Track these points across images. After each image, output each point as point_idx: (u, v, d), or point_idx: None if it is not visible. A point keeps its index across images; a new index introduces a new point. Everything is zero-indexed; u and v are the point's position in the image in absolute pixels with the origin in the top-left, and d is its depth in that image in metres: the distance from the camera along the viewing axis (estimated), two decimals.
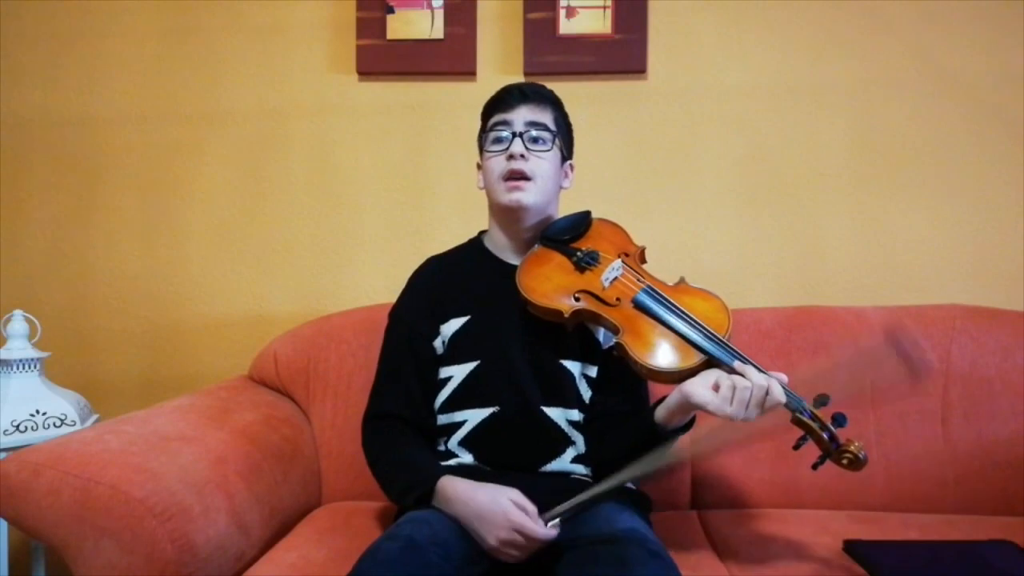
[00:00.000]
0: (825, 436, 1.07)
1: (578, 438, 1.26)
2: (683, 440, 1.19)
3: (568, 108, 1.37)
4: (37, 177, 2.01)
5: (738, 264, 1.90)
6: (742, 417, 1.03)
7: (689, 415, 1.11)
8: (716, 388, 1.05)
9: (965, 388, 1.57)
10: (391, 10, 1.90)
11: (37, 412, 1.62)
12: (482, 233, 1.42)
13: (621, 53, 1.88)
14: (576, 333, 1.25)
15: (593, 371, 1.28)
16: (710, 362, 1.10)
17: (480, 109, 1.38)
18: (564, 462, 1.24)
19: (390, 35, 1.90)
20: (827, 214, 1.89)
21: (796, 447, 1.09)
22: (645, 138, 1.92)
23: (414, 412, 1.29)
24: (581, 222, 1.32)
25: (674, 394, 1.10)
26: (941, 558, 1.25)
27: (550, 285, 1.22)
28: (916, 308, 1.69)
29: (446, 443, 1.29)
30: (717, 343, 1.11)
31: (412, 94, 1.95)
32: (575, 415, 1.25)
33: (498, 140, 1.28)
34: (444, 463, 1.27)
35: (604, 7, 1.88)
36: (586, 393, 1.28)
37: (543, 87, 1.33)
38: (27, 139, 2.00)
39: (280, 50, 1.97)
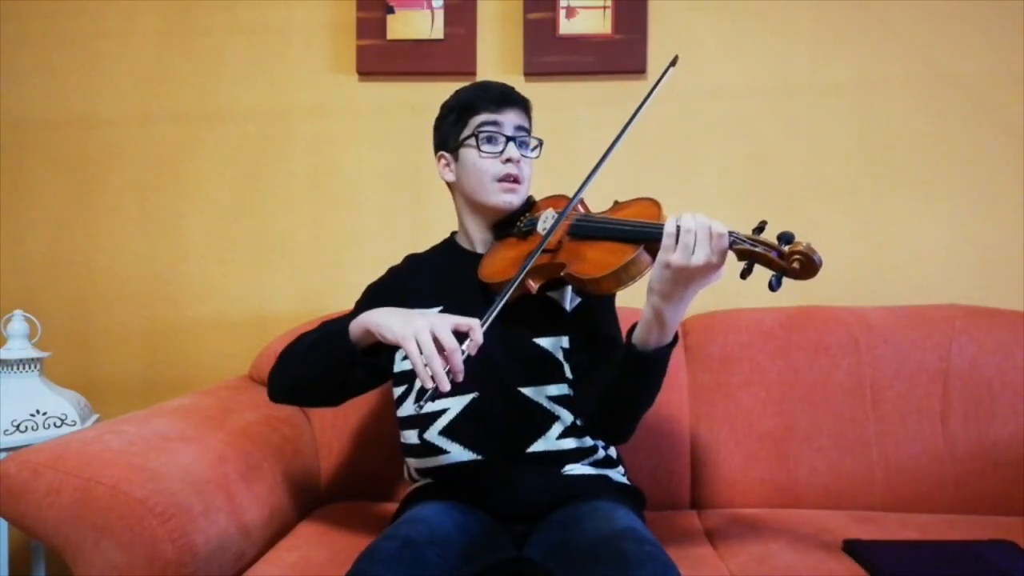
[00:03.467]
0: (773, 255, 1.02)
1: (562, 412, 1.25)
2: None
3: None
4: (37, 177, 2.01)
5: (738, 263, 1.90)
6: (694, 261, 1.01)
7: (667, 328, 1.09)
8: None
9: (965, 388, 1.57)
10: (391, 10, 1.90)
11: (37, 412, 1.62)
12: (453, 234, 1.45)
13: (621, 53, 1.88)
14: (544, 309, 1.28)
15: (566, 342, 1.29)
16: (649, 247, 1.10)
17: None
18: (550, 440, 1.23)
19: (390, 35, 1.90)
20: (827, 214, 1.89)
21: (743, 276, 1.05)
22: (645, 138, 1.92)
23: None
24: (522, 206, 1.35)
25: (646, 301, 1.09)
26: (941, 558, 1.25)
27: (503, 262, 1.26)
28: (916, 308, 1.69)
29: (422, 435, 1.26)
30: (648, 227, 1.10)
31: (412, 94, 1.95)
32: (554, 390, 1.25)
33: (491, 140, 1.29)
34: (437, 462, 1.25)
35: (604, 7, 1.88)
36: (567, 366, 1.28)
37: (514, 88, 1.36)
38: (27, 139, 2.01)
39: (280, 50, 1.97)
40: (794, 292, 1.87)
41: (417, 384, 1.25)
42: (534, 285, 1.22)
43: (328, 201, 1.97)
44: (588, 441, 1.26)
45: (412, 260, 1.45)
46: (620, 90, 1.92)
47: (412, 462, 1.31)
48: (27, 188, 2.01)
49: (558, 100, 1.91)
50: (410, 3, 1.90)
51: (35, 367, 1.68)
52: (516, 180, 1.29)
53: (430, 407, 1.25)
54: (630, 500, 1.24)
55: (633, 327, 1.13)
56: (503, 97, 1.31)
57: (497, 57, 1.93)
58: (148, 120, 1.99)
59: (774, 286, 1.02)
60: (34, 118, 2.00)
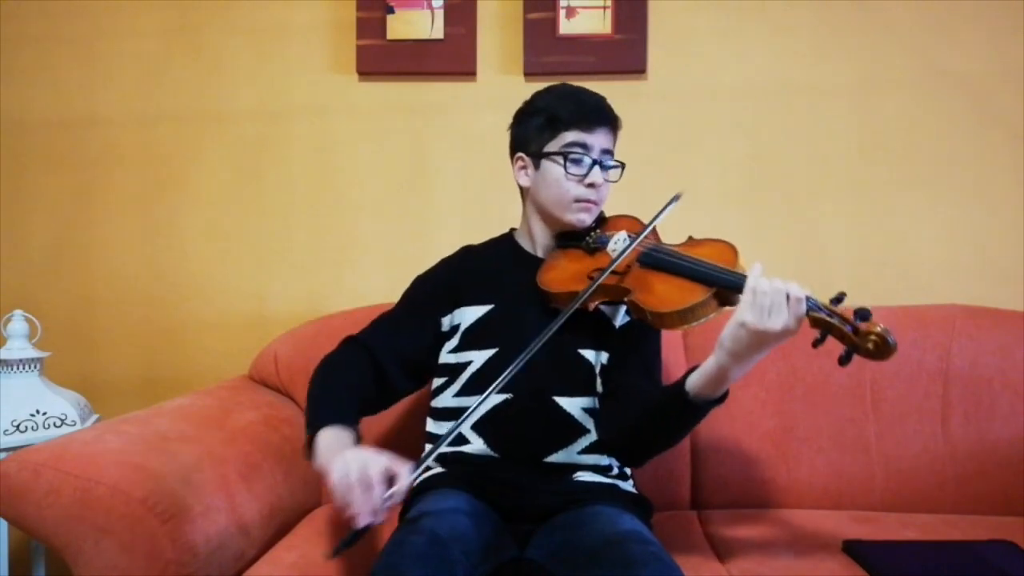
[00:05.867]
0: (847, 329, 1.01)
1: (593, 425, 1.25)
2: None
3: None
4: (37, 177, 2.01)
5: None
6: (771, 325, 0.99)
7: (725, 384, 1.07)
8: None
9: (965, 388, 1.57)
10: (391, 10, 1.90)
11: (37, 412, 1.62)
12: (512, 230, 1.44)
13: (621, 53, 1.88)
14: (595, 322, 1.27)
15: (606, 357, 1.28)
16: (719, 294, 1.09)
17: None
18: (572, 452, 1.23)
19: (390, 35, 1.90)
20: (827, 214, 1.89)
21: (815, 344, 1.04)
22: (645, 138, 1.92)
23: (390, 359, 1.30)
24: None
25: (713, 354, 1.06)
26: (941, 558, 1.25)
27: (566, 274, 1.26)
28: (916, 308, 1.69)
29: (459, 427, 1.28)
30: (722, 272, 1.10)
31: (412, 94, 1.95)
32: (588, 402, 1.25)
33: (576, 162, 1.27)
34: (457, 448, 1.26)
35: (604, 7, 1.88)
36: (599, 379, 1.28)
37: (608, 103, 1.31)
38: (27, 139, 2.01)
39: (280, 50, 1.97)
40: None
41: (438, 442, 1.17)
42: (592, 304, 1.21)
43: (328, 201, 1.97)
44: (605, 459, 1.27)
45: (467, 253, 1.43)
46: (620, 90, 1.91)
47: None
48: (27, 188, 2.01)
49: None
50: (410, 3, 1.90)
51: (35, 367, 1.68)
52: (595, 202, 1.29)
53: (463, 402, 1.26)
54: (637, 508, 1.23)
55: (690, 370, 1.09)
56: (597, 115, 1.28)
57: (497, 57, 1.93)
58: (148, 120, 1.99)
59: (844, 361, 1.02)
60: (34, 118, 2.00)
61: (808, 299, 1.03)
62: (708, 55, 1.91)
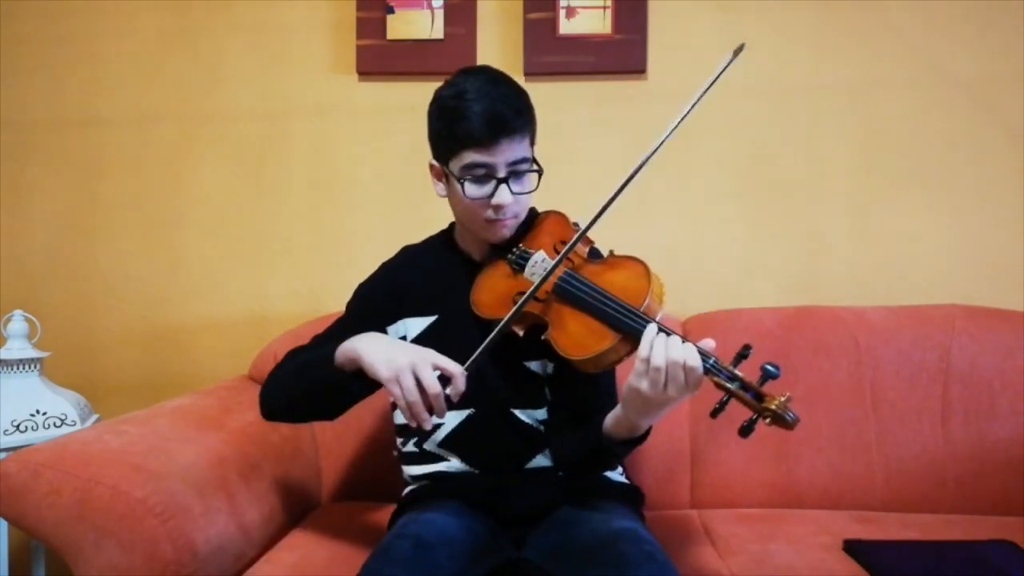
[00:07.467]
0: (749, 396, 0.94)
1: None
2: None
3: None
4: (37, 177, 2.01)
5: (738, 264, 1.90)
6: (669, 393, 0.96)
7: (639, 431, 1.06)
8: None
9: (965, 388, 1.57)
10: (391, 10, 1.90)
11: (37, 412, 1.62)
12: (452, 226, 1.35)
13: (621, 53, 1.88)
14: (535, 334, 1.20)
15: (551, 367, 1.24)
16: (627, 338, 1.04)
17: None
18: (548, 456, 1.22)
19: (390, 35, 1.90)
20: (827, 214, 1.89)
21: (713, 414, 0.96)
22: (645, 138, 1.91)
23: None
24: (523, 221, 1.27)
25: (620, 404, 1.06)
26: (941, 558, 1.25)
27: (493, 295, 1.20)
28: (916, 308, 1.69)
29: (423, 445, 1.25)
30: (628, 316, 1.03)
31: (412, 94, 1.94)
32: (542, 414, 1.23)
33: (478, 183, 1.15)
34: (434, 467, 1.25)
35: (604, 7, 1.88)
36: (547, 389, 1.24)
37: (515, 98, 1.16)
38: (27, 139, 2.00)
39: (280, 50, 1.97)
40: (794, 292, 1.88)
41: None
42: (519, 331, 1.16)
43: (328, 201, 1.97)
44: None
45: (408, 256, 1.38)
46: (620, 90, 1.92)
47: (409, 468, 1.29)
48: (27, 188, 2.01)
49: (558, 100, 1.91)
50: (410, 3, 1.90)
51: (35, 367, 1.68)
52: (510, 219, 1.19)
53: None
54: (628, 499, 1.24)
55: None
56: (499, 126, 1.12)
57: (497, 57, 1.93)
58: (148, 120, 1.99)
59: (744, 432, 0.94)
60: (34, 118, 2.00)
61: (707, 362, 0.96)
62: (708, 55, 1.91)
